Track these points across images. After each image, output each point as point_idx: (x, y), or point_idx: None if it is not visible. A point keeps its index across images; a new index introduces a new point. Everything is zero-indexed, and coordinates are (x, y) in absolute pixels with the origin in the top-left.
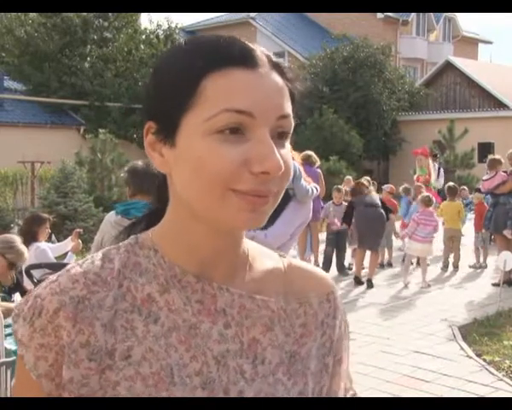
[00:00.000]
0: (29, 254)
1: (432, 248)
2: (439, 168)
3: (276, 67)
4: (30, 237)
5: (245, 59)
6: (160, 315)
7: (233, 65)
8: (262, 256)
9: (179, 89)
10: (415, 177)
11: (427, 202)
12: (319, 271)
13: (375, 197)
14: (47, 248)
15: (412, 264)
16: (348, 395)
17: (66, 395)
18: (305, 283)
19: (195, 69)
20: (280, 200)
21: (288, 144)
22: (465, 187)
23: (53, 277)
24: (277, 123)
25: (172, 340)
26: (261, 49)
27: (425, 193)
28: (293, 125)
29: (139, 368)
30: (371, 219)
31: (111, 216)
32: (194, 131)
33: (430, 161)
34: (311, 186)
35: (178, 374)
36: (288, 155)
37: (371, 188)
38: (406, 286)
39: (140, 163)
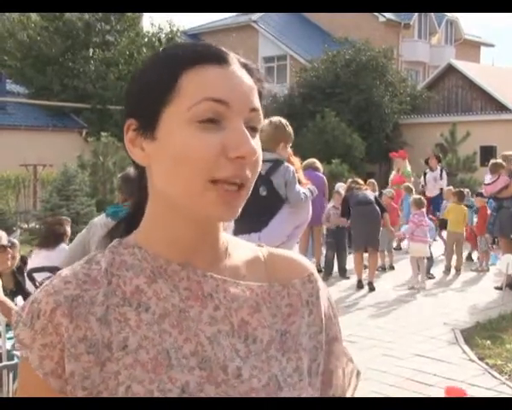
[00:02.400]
0: (53, 255)
1: (428, 249)
2: (441, 171)
3: (246, 67)
4: (57, 238)
5: (218, 58)
6: (150, 304)
7: (207, 63)
8: (240, 247)
9: (159, 85)
10: (390, 177)
11: (419, 204)
12: (297, 255)
13: (369, 194)
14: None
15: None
16: (347, 372)
17: (69, 388)
18: (286, 268)
19: (173, 67)
20: (272, 205)
21: (258, 137)
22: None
23: (46, 282)
24: (249, 115)
25: (165, 326)
26: (231, 51)
27: (416, 195)
28: (262, 120)
29: (137, 356)
30: (363, 218)
31: (101, 218)
32: (174, 123)
33: (407, 164)
34: (307, 189)
35: (175, 356)
36: (259, 146)
37: (366, 186)
38: (409, 289)
39: (133, 170)
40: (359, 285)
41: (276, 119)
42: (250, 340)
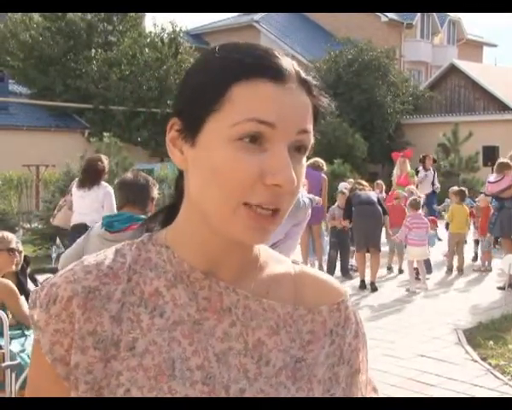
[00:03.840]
0: (94, 194)
1: (427, 251)
2: (434, 172)
3: (304, 83)
4: (95, 178)
5: (274, 72)
6: (166, 309)
7: (262, 77)
8: (273, 261)
9: (208, 91)
10: (394, 178)
11: (414, 206)
12: (332, 280)
13: (372, 194)
14: (112, 192)
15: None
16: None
17: (72, 378)
18: (316, 291)
19: (226, 75)
20: None
21: (304, 160)
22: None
23: (68, 266)
24: (297, 137)
25: (176, 334)
26: (292, 63)
27: (413, 196)
28: (312, 141)
29: (142, 360)
30: (365, 218)
31: (97, 228)
32: (216, 135)
33: (407, 164)
34: (307, 199)
35: (180, 367)
36: (302, 172)
37: (371, 187)
38: (406, 291)
39: (129, 175)
40: (362, 285)
41: None
42: (263, 361)
